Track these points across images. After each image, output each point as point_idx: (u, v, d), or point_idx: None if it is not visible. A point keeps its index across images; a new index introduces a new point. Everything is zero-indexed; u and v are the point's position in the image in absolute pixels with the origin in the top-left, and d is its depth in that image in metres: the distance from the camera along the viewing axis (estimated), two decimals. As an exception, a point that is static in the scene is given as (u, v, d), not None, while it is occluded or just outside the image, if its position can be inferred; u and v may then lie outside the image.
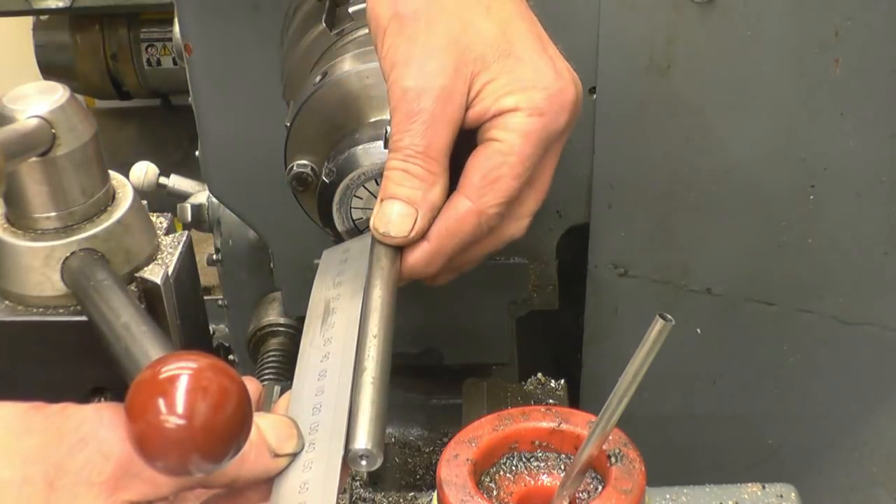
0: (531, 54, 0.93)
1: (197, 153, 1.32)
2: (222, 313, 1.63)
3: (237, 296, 1.57)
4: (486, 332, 1.37)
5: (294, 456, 0.83)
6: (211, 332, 1.74)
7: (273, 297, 1.52)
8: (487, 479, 0.83)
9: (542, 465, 0.83)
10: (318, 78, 1.04)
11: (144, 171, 1.66)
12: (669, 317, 0.72)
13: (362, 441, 0.79)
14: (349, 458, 0.79)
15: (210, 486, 0.81)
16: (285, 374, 1.46)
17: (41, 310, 0.84)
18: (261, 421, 0.81)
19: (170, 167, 1.73)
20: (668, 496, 0.98)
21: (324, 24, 1.08)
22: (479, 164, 0.93)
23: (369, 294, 0.92)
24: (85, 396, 0.87)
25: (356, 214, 1.04)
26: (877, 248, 1.30)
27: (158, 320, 0.82)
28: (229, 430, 0.70)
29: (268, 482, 0.82)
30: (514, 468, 0.83)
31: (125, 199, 0.87)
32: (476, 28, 0.93)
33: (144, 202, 1.02)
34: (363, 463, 0.79)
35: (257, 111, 1.23)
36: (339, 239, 1.06)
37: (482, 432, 0.83)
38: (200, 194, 1.62)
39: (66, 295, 0.83)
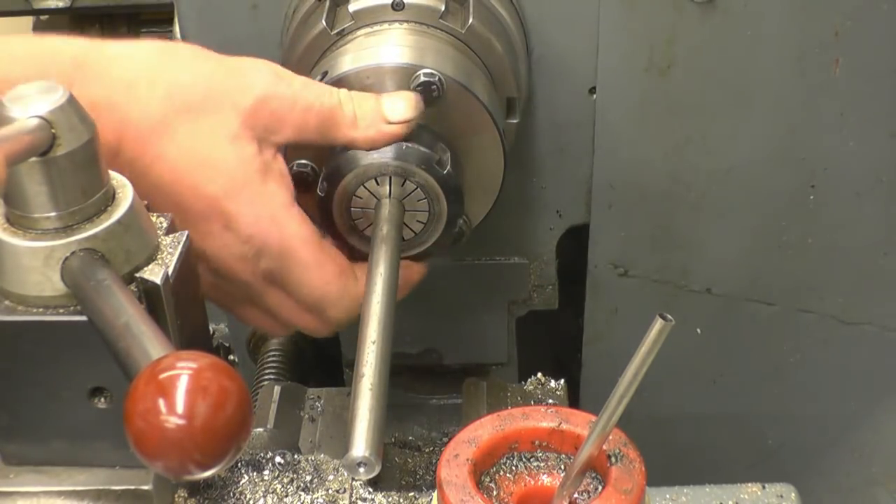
0: None
1: (197, 153, 1.32)
2: (222, 313, 1.63)
3: (237, 296, 1.56)
4: (485, 332, 1.37)
5: (408, 123, 0.98)
6: (211, 332, 1.74)
7: (273, 297, 1.52)
8: (487, 479, 0.83)
9: (542, 465, 0.83)
10: (318, 78, 1.04)
11: (144, 171, 1.65)
12: (669, 317, 0.71)
13: (360, 448, 0.79)
14: (347, 466, 0.79)
15: (326, 142, 0.99)
16: (285, 374, 1.46)
17: (41, 310, 0.84)
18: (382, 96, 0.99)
19: (170, 167, 1.72)
20: (668, 496, 0.98)
21: (324, 24, 1.08)
22: None
23: (368, 300, 0.92)
24: (85, 396, 0.86)
25: (356, 214, 1.04)
26: (877, 248, 1.30)
27: (158, 320, 0.82)
28: (229, 430, 0.69)
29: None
30: (514, 468, 0.83)
31: (125, 199, 0.87)
32: None
33: (144, 202, 1.02)
34: (361, 470, 0.79)
35: (257, 111, 1.22)
36: (338, 239, 1.06)
37: (482, 432, 0.83)
38: (200, 194, 1.61)
39: (66, 295, 0.83)
